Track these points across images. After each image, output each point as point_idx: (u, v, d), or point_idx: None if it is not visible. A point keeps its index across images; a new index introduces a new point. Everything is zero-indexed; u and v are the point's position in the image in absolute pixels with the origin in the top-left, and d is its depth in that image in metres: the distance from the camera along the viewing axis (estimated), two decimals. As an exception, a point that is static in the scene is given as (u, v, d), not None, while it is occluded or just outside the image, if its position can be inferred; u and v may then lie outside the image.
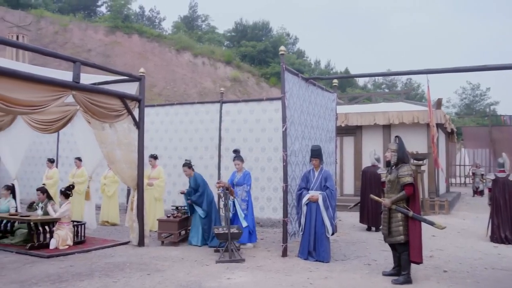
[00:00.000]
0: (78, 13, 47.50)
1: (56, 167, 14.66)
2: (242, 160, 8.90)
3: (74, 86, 7.36)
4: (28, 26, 30.79)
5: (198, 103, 12.92)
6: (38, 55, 7.47)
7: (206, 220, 8.69)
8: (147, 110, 13.55)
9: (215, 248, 8.15)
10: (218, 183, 8.51)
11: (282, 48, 8.12)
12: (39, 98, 6.80)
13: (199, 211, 8.71)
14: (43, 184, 12.02)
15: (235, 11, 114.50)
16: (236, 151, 9.01)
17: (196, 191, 8.81)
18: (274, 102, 11.25)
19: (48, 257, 7.43)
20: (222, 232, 7.62)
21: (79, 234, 8.73)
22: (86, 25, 43.71)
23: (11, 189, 9.68)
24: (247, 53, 46.17)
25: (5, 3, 45.53)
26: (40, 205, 8.58)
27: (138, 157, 8.74)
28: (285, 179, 7.79)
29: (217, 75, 41.16)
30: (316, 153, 7.63)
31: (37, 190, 8.82)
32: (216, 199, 9.59)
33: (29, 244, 7.88)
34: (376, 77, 60.85)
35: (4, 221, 8.83)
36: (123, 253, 7.98)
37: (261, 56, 46.57)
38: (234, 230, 7.69)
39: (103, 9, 52.13)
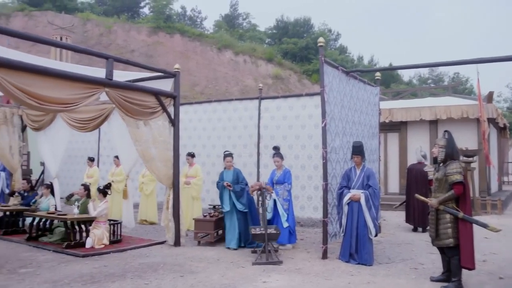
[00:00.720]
0: (122, 15, 48.44)
1: (97, 165, 14.83)
2: (282, 157, 8.53)
3: (107, 83, 7.24)
4: (72, 28, 31.53)
5: (236, 99, 12.68)
6: (84, 56, 7.39)
7: (243, 219, 8.37)
8: (185, 108, 13.51)
9: (252, 249, 7.86)
10: (251, 187, 8.11)
11: (320, 39, 7.72)
12: (72, 96, 6.71)
13: (239, 205, 8.28)
14: (86, 183, 12.17)
15: (276, 8, 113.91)
16: (276, 148, 8.66)
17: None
18: (314, 98, 10.85)
19: (83, 256, 7.36)
20: (259, 232, 7.32)
21: (116, 233, 8.65)
22: (130, 26, 44.51)
23: (50, 188, 9.72)
24: (288, 50, 45.75)
25: (54, 8, 47.06)
26: (77, 203, 8.54)
27: (174, 155, 8.56)
28: (325, 177, 7.40)
29: (258, 73, 40.96)
30: (358, 150, 7.21)
31: (82, 185, 8.82)
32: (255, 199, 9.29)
33: (66, 243, 7.83)
34: (422, 73, 59.04)
35: (43, 219, 8.85)
36: (158, 253, 7.81)
37: (303, 53, 46.04)
38: (271, 230, 7.37)
39: (145, 10, 53.00)
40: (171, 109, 8.59)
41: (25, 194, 10.11)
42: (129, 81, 8.61)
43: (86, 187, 8.79)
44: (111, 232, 8.57)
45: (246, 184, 8.59)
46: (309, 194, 10.73)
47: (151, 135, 8.29)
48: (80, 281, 5.87)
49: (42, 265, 6.80)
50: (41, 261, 7.07)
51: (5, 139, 10.93)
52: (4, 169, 12.11)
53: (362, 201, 6.91)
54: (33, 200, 9.69)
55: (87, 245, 7.94)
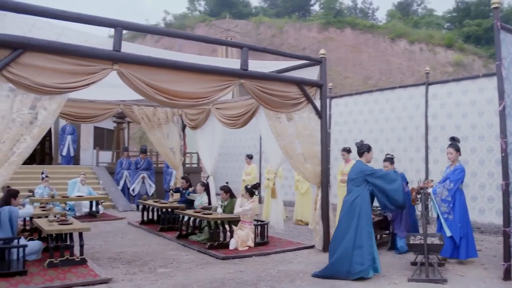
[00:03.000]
0: (293, 14, 49.08)
1: (260, 163, 14.73)
2: (456, 149, 6.79)
3: (242, 74, 6.72)
4: (235, 29, 33.03)
5: (399, 87, 11.29)
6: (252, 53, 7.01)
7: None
8: (344, 100, 12.57)
9: (412, 261, 6.57)
10: (412, 189, 6.71)
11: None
12: (204, 89, 6.34)
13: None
14: (243, 180, 12.09)
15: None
16: (453, 139, 6.99)
17: None
18: (494, 78, 8.90)
19: (223, 259, 6.95)
20: (417, 242, 6.04)
21: (263, 235, 8.14)
22: (300, 25, 44.80)
23: (205, 186, 9.68)
24: (471, 34, 40.98)
25: (231, 15, 50.00)
26: (220, 203, 8.25)
27: (322, 151, 7.69)
28: (505, 175, 5.79)
29: (436, 61, 37.50)
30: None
31: (220, 188, 8.58)
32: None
33: (209, 243, 7.56)
34: None
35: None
36: (303, 259, 7.04)
37: (489, 34, 40.71)
38: (434, 240, 6.02)
39: (316, 7, 52.92)
40: (317, 100, 7.76)
41: (184, 192, 10.28)
42: (274, 72, 8.02)
43: (226, 189, 8.50)
44: (258, 233, 8.09)
45: (407, 183, 7.36)
46: (490, 195, 8.89)
47: (294, 129, 7.57)
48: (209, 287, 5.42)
49: (181, 266, 6.57)
50: (182, 261, 6.87)
51: (166, 138, 11.33)
52: (167, 167, 12.74)
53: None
54: (188, 192, 9.80)
55: (231, 247, 7.56)
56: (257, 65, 7.29)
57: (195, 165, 18.20)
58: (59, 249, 6.37)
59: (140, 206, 10.80)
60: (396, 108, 11.07)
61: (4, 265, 5.95)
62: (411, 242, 6.11)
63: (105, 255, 7.25)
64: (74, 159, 16.67)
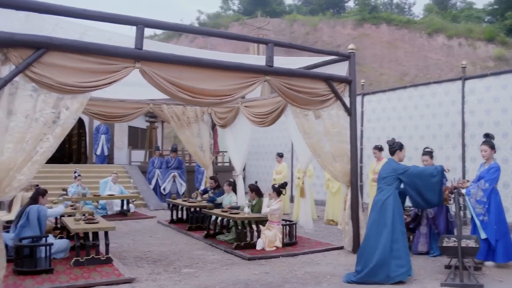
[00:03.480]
0: (327, 11, 48.50)
1: (291, 162, 14.56)
2: (491, 146, 6.38)
3: (267, 70, 6.56)
4: (268, 27, 32.93)
5: (434, 82, 10.92)
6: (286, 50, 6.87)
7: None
8: (377, 96, 12.25)
9: (446, 265, 6.26)
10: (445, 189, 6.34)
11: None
12: (227, 87, 6.22)
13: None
14: (273, 178, 11.95)
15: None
16: (486, 135, 6.59)
17: None
18: (537, 71, 8.49)
19: (249, 259, 6.82)
20: (451, 244, 5.73)
21: (292, 235, 7.96)
22: (335, 22, 44.22)
23: (232, 185, 9.56)
24: (514, 26, 39.44)
25: (264, 14, 49.88)
26: (248, 202, 8.12)
27: (351, 149, 7.44)
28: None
29: (476, 56, 36.28)
30: None
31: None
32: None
33: (236, 244, 7.44)
34: None
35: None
36: (331, 260, 6.83)
37: (534, 26, 39.12)
38: (469, 242, 5.71)
39: (350, 3, 52.18)
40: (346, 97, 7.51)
41: (212, 191, 10.20)
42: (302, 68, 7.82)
43: (253, 188, 8.35)
44: (286, 233, 7.92)
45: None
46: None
47: (323, 127, 7.35)
48: (232, 289, 5.30)
49: (206, 266, 6.47)
50: (208, 261, 6.77)
51: (196, 137, 11.28)
52: (199, 166, 12.69)
53: None
54: (213, 198, 9.71)
55: (258, 247, 7.42)
56: (284, 61, 7.10)
57: (227, 164, 18.14)
58: (86, 247, 6.40)
59: (170, 205, 10.80)
60: (431, 104, 10.67)
61: (32, 263, 5.99)
62: (445, 244, 5.81)
63: (132, 254, 7.24)
64: (108, 158, 16.90)
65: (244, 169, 18.85)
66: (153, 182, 14.34)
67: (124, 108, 10.35)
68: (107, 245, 6.48)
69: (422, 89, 10.98)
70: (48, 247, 6.35)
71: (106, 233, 6.59)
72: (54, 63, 5.12)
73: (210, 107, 11.26)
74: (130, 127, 19.08)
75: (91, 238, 6.52)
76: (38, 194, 6.84)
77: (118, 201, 11.75)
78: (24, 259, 6.01)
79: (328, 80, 7.21)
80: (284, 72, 6.76)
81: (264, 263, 6.65)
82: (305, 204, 9.24)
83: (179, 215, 10.32)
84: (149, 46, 5.78)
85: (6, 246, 5.88)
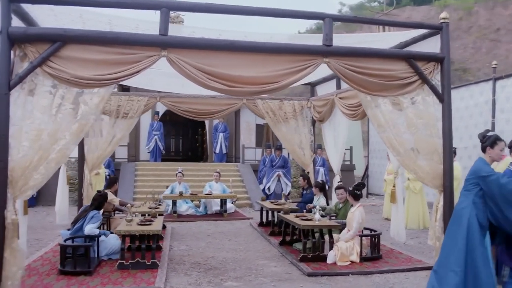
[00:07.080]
0: (485, -8, 43.45)
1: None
2: None
3: (324, 51, 5.46)
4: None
5: None
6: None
7: None
8: (502, 82, 10.06)
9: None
10: None
11: None
12: (271, 73, 5.28)
13: None
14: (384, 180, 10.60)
15: None
16: None
17: None
18: None
19: (309, 275, 5.81)
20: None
21: (375, 247, 6.70)
22: (493, 3, 39.35)
23: (320, 187, 8.51)
24: None
25: (411, 2, 46.63)
26: (331, 207, 7.06)
27: (444, 144, 5.91)
28: None
29: None
30: None
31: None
32: None
33: (301, 255, 6.44)
34: None
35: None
36: (411, 284, 5.49)
37: None
38: None
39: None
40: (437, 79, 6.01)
41: (304, 191, 9.28)
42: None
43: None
44: (370, 245, 6.69)
45: None
46: None
47: (403, 117, 5.97)
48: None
49: (256, 280, 5.68)
50: (263, 274, 5.95)
51: (294, 133, 10.40)
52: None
53: None
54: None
55: (328, 260, 6.33)
56: (352, 40, 5.92)
57: (347, 163, 16.84)
58: (141, 250, 6.07)
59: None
60: None
61: (85, 263, 5.84)
62: None
63: (192, 259, 6.73)
64: (226, 156, 16.89)
65: (366, 169, 17.52)
66: (264, 181, 13.81)
67: (215, 104, 9.98)
68: (153, 249, 6.07)
69: None
70: (97, 248, 6.20)
71: (155, 237, 6.21)
72: (72, 56, 4.77)
73: (308, 100, 10.33)
74: (257, 125, 18.67)
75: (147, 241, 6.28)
76: (104, 199, 6.77)
77: (218, 201, 11.45)
78: (78, 257, 5.88)
79: (410, 59, 5.80)
80: (347, 52, 5.57)
81: (324, 282, 5.60)
82: (396, 211, 7.72)
83: (269, 218, 9.59)
84: (176, 31, 5.16)
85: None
